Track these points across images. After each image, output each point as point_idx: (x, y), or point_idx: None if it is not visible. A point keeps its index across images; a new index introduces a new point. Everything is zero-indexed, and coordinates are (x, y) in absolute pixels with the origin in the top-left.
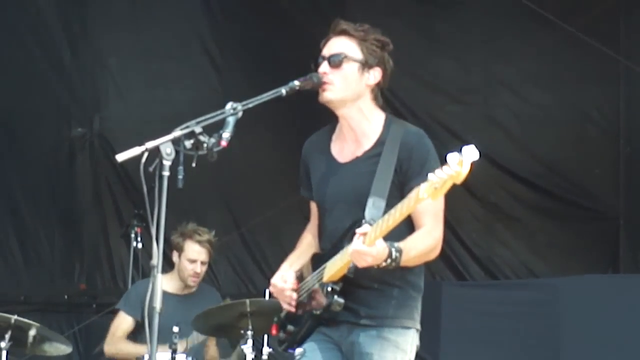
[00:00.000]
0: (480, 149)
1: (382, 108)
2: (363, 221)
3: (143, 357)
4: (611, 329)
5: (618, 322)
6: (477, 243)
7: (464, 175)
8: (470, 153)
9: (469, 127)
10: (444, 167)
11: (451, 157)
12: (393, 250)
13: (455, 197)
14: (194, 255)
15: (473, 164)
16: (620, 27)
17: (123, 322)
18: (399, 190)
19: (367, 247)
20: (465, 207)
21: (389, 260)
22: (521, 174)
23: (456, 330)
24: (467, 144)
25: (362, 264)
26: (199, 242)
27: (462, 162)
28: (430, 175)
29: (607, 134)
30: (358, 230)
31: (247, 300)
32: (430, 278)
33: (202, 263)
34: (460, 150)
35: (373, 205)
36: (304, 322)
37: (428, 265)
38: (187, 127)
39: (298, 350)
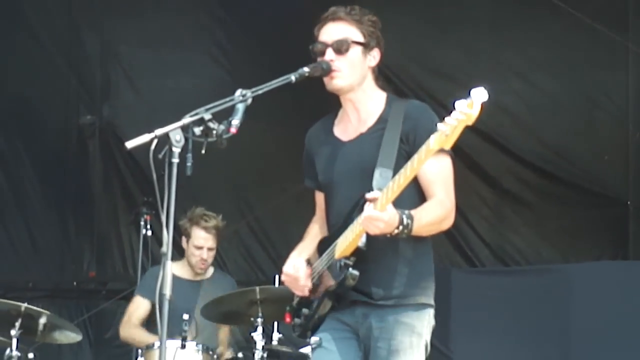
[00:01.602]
0: (490, 135)
1: (382, 87)
2: (371, 192)
3: (153, 344)
4: (621, 315)
5: (628, 308)
6: (487, 229)
7: (474, 117)
8: (480, 94)
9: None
10: (453, 113)
11: (460, 102)
12: (404, 216)
13: (465, 183)
14: (200, 242)
15: (483, 105)
16: (629, 12)
17: (139, 306)
18: (405, 161)
19: (378, 213)
20: (476, 193)
21: (400, 227)
22: (531, 160)
23: (466, 316)
24: (476, 129)
25: (374, 231)
26: (205, 229)
27: (472, 103)
28: (439, 125)
29: (616, 119)
30: (368, 196)
31: (257, 288)
32: (440, 264)
33: (209, 249)
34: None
35: (380, 175)
36: (318, 304)
37: (438, 251)
38: (197, 114)
39: (314, 339)
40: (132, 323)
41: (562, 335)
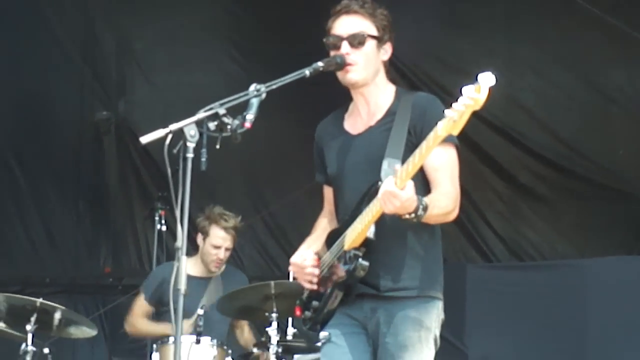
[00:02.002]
0: (505, 130)
1: (393, 81)
2: (379, 182)
3: (168, 338)
4: (637, 310)
5: None
6: (503, 224)
7: (482, 101)
8: (487, 79)
9: (493, 108)
10: (460, 98)
11: (467, 88)
12: (420, 203)
13: (480, 178)
14: (219, 241)
15: (491, 90)
16: None
17: (141, 303)
18: (413, 151)
19: (398, 190)
20: (491, 188)
21: (413, 214)
22: (546, 155)
23: (481, 311)
24: (491, 124)
25: (389, 208)
26: (225, 229)
27: (479, 88)
28: (446, 111)
29: (632, 114)
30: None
31: (272, 282)
32: (455, 259)
33: (227, 249)
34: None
35: (388, 166)
36: (327, 297)
37: (453, 247)
38: (211, 109)
39: (323, 334)
40: (136, 316)
41: (578, 330)
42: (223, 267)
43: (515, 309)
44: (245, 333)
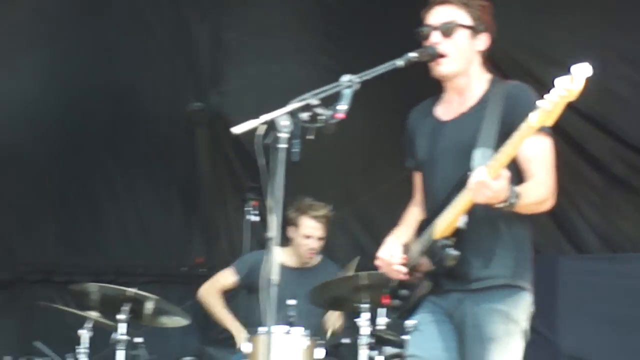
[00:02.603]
0: (599, 121)
1: (491, 70)
2: (470, 172)
3: (258, 328)
4: None
5: None
6: (596, 215)
7: (576, 92)
8: (582, 70)
9: (586, 98)
10: (552, 90)
11: (561, 79)
12: (512, 193)
13: (573, 169)
14: (310, 231)
15: (587, 80)
16: None
17: (228, 277)
18: (505, 140)
19: (490, 180)
20: (584, 180)
21: (506, 202)
22: None
23: (573, 303)
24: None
25: (480, 198)
26: (315, 218)
27: (573, 79)
28: (539, 102)
29: None
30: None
31: (363, 273)
32: (547, 251)
33: (319, 239)
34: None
35: (481, 155)
36: (416, 286)
37: (545, 238)
38: (304, 99)
39: (411, 323)
40: (214, 288)
41: None
42: (318, 259)
43: (608, 300)
44: (337, 324)
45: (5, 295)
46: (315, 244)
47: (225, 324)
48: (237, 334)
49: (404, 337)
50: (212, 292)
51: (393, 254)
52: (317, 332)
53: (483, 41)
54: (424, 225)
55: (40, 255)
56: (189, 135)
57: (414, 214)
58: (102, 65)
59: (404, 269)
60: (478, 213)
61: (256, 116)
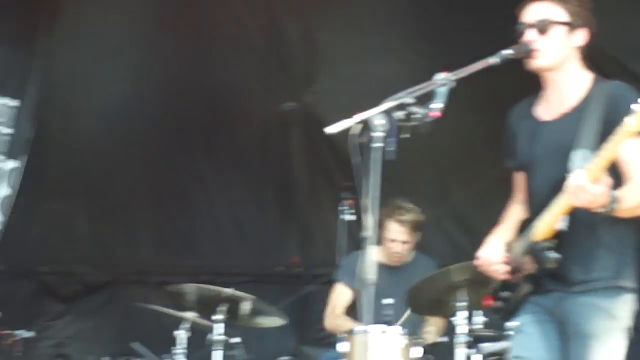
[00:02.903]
0: None
1: (589, 68)
2: (569, 174)
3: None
4: None
5: None
6: None
7: None
8: None
9: None
10: None
11: None
12: (611, 197)
13: None
14: (394, 234)
15: None
16: None
17: (341, 294)
18: (605, 142)
19: (589, 184)
20: None
21: (605, 208)
22: None
23: None
24: None
25: (578, 201)
26: (400, 222)
27: None
28: (633, 106)
29: None
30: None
31: (457, 266)
32: None
33: (404, 242)
34: None
35: (580, 156)
36: (518, 287)
37: None
38: (398, 98)
39: (513, 324)
40: (336, 314)
41: None
42: (412, 255)
43: None
44: (436, 324)
45: (102, 296)
46: (399, 248)
47: None
48: None
49: (504, 334)
50: (336, 318)
51: (494, 253)
52: (414, 330)
53: (581, 37)
54: (525, 225)
55: (137, 257)
56: (283, 135)
57: (515, 212)
58: (196, 66)
59: (506, 269)
60: (578, 215)
61: (349, 115)
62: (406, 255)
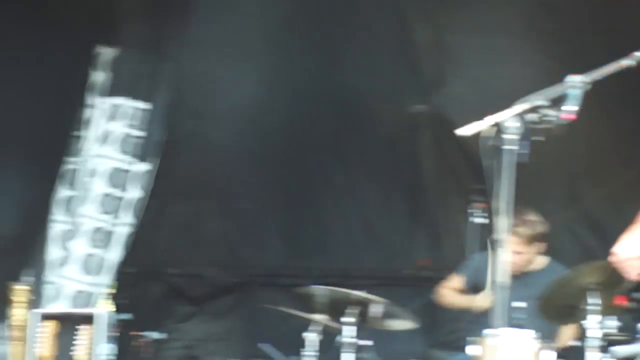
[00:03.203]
0: None
1: None
2: None
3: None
4: None
5: None
6: None
7: None
8: None
9: None
10: None
11: None
12: None
13: None
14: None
15: None
16: None
17: (454, 280)
18: None
19: None
20: None
21: None
22: None
23: None
24: None
25: None
26: (514, 233)
27: None
28: None
29: None
30: None
31: (589, 267)
32: None
33: (517, 253)
34: None
35: None
36: None
37: None
38: (530, 100)
39: None
40: (444, 288)
41: None
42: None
43: None
44: (569, 327)
45: (231, 298)
46: (514, 258)
47: (468, 303)
48: (481, 298)
49: (638, 337)
50: (444, 291)
51: (631, 248)
52: (546, 334)
53: None
54: None
55: (266, 259)
56: (413, 137)
57: None
58: (326, 68)
59: None
60: None
61: (479, 118)
62: (523, 265)
